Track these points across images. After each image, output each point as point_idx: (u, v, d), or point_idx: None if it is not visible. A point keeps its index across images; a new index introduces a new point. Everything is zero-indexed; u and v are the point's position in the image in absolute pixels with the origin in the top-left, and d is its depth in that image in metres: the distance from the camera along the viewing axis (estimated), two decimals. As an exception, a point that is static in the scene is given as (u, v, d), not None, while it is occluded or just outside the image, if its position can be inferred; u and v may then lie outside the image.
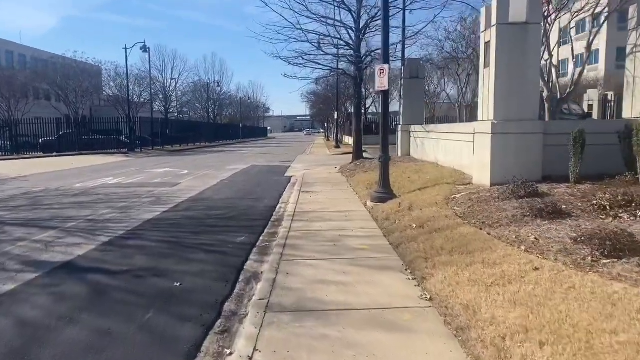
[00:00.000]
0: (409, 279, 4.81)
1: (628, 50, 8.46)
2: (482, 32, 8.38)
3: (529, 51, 7.83)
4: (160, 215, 9.22)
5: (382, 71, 9.20)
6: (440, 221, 6.44)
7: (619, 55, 49.93)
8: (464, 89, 22.56)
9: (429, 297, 4.25)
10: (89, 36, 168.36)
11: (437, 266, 4.82)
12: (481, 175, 8.30)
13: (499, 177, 7.89)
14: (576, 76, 13.87)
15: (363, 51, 16.87)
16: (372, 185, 11.47)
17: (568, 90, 13.97)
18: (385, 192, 9.24)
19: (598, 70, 50.13)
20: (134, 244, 6.99)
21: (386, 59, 9.26)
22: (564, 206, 6.09)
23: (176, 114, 65.09)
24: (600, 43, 47.15)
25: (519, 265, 4.35)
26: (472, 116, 23.95)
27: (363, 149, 17.93)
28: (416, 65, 16.31)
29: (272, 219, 8.68)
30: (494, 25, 7.84)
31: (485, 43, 8.22)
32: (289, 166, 20.88)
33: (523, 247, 4.84)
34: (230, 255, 6.36)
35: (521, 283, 3.97)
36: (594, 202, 5.95)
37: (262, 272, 5.51)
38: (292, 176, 16.40)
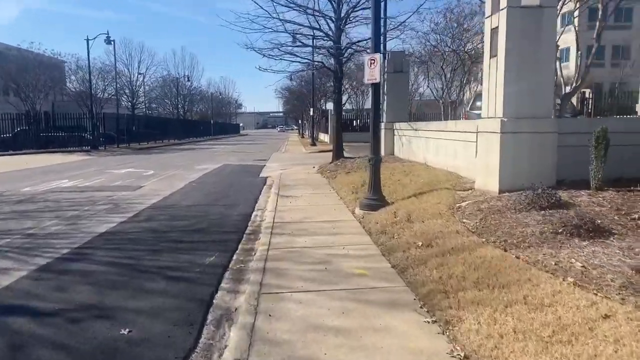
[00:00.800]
0: (428, 322, 3.71)
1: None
2: (487, 17, 7.37)
3: (544, 39, 6.86)
4: (115, 227, 7.87)
5: (372, 61, 8.10)
6: (452, 238, 5.38)
7: (589, 54, 51.32)
8: (449, 85, 21.76)
9: (462, 355, 3.16)
10: (52, 29, 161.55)
11: (464, 305, 3.74)
12: (487, 180, 7.31)
13: (509, 183, 6.92)
14: (583, 68, 12.93)
15: (344, 43, 15.76)
16: (358, 188, 10.41)
17: (574, 85, 13.10)
18: (375, 199, 8.16)
19: (569, 69, 51.12)
20: (78, 268, 5.67)
21: (377, 48, 8.17)
22: (599, 220, 5.12)
23: (144, 110, 62.53)
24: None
25: (578, 309, 3.31)
26: (456, 113, 23.17)
27: (343, 148, 16.84)
28: (400, 59, 15.31)
29: (247, 231, 7.48)
30: (503, 9, 6.83)
31: (492, 30, 7.22)
32: (264, 165, 19.60)
33: (571, 279, 3.82)
34: (196, 282, 5.14)
35: (594, 339, 2.93)
36: (635, 216, 5.01)
37: (236, 309, 4.34)
38: (267, 177, 15.18)
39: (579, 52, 15.83)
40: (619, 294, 3.46)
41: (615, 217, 5.21)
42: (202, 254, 6.13)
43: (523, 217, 5.67)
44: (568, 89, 14.36)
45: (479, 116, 13.12)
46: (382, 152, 15.16)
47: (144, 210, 9.34)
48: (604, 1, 11.62)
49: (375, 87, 8.25)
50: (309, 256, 5.66)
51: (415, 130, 12.59)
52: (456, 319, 3.59)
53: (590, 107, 27.12)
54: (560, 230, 4.85)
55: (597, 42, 12.07)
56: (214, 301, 4.62)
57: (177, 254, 6.22)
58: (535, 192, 5.98)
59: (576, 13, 14.74)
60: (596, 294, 3.50)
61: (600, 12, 11.95)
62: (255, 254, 6.01)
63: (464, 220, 6.09)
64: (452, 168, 9.78)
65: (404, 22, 15.07)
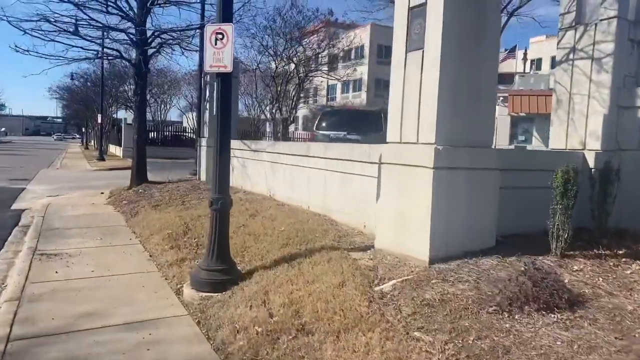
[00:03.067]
0: None
1: (559, 56, 6.17)
2: (401, -11, 4.86)
3: (489, 30, 4.66)
4: None
5: (220, 36, 4.78)
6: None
7: (377, 86, 56.79)
8: (280, 99, 19.12)
9: None
10: None
11: None
12: (403, 238, 4.68)
13: (442, 246, 4.43)
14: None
15: (150, 31, 11.75)
16: (180, 238, 6.81)
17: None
18: (222, 270, 4.77)
19: (361, 98, 55.88)
20: None
21: (227, 14, 4.87)
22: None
23: None
24: (364, 74, 52.62)
25: None
26: (286, 132, 20.68)
27: (146, 168, 12.59)
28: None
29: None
30: (436, -25, 4.38)
31: (412, 9, 4.72)
32: (24, 189, 13.72)
33: None
34: None
35: None
36: None
37: None
38: (25, 209, 10.05)
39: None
40: None
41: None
42: None
43: (521, 326, 3.15)
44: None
45: (329, 138, 10.82)
46: (203, 176, 11.68)
47: None
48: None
49: (224, 80, 4.91)
50: None
51: (255, 151, 9.49)
52: None
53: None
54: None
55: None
56: None
57: None
58: (526, 271, 3.53)
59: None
60: None
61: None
62: None
63: (415, 333, 3.27)
64: (319, 208, 7.01)
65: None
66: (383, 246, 4.98)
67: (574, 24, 6.02)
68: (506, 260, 4.42)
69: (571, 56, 6.03)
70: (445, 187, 4.42)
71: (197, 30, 12.37)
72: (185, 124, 51.00)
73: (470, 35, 4.52)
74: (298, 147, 7.85)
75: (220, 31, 4.80)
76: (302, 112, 44.09)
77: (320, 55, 20.00)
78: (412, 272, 4.29)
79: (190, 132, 37.47)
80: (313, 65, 19.68)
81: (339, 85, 60.41)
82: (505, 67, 44.35)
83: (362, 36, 48.17)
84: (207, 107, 11.92)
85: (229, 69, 4.81)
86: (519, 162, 5.52)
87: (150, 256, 6.33)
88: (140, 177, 11.88)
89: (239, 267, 5.09)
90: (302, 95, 19.67)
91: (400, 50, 4.87)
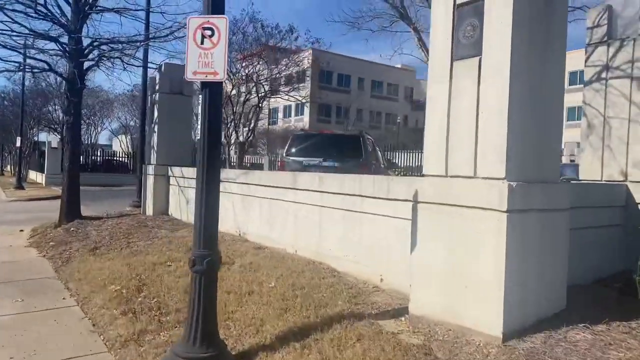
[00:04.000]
0: None
1: (589, 75, 5.42)
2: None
3: (556, 30, 3.73)
4: None
5: (210, 32, 3.48)
6: None
7: (320, 111, 56.95)
8: (236, 121, 17.38)
9: None
10: None
11: None
12: (460, 306, 3.51)
13: (519, 315, 3.34)
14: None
15: (87, 40, 10.04)
16: (133, 297, 5.28)
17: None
18: (209, 358, 3.36)
19: (304, 121, 55.75)
20: None
21: (219, 4, 3.57)
22: None
23: None
24: (307, 97, 52.84)
25: None
26: (241, 158, 18.86)
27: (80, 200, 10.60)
28: (180, 75, 10.58)
29: None
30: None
31: (458, 7, 3.69)
32: None
33: None
34: None
35: None
36: None
37: None
38: None
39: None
40: None
41: None
42: None
43: None
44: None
45: (302, 165, 9.60)
46: (151, 210, 9.99)
47: None
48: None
49: (213, 93, 3.57)
50: None
51: (220, 182, 8.04)
52: None
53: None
54: None
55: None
56: None
57: None
58: None
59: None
60: None
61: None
62: None
63: None
64: (310, 253, 5.71)
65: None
66: (424, 313, 3.78)
67: (605, 38, 5.33)
68: (595, 330, 3.38)
69: (604, 75, 5.32)
70: (520, 236, 3.34)
71: (142, 43, 10.84)
72: (115, 148, 47.59)
73: (537, 39, 3.56)
74: (281, 177, 6.54)
75: (209, 25, 3.50)
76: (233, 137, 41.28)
77: (277, 76, 18.95)
78: (486, 355, 3.12)
79: (124, 157, 34.72)
80: (270, 86, 18.53)
81: (280, 108, 59.69)
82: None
83: (305, 60, 47.99)
84: (156, 129, 10.29)
85: (221, 76, 3.50)
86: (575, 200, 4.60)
87: (94, 326, 4.69)
88: (72, 212, 9.93)
89: (226, 345, 3.68)
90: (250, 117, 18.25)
91: (442, 58, 3.81)
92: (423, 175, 3.94)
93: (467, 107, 3.60)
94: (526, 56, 3.44)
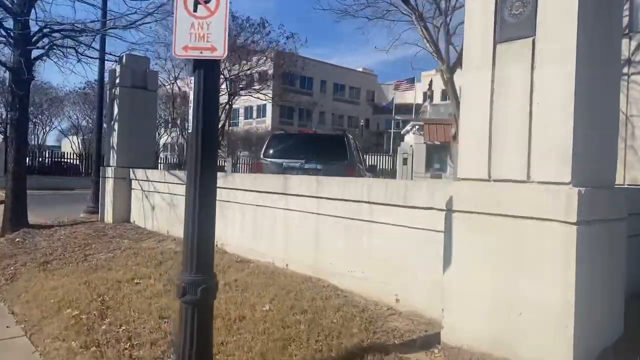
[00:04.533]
0: None
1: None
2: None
3: (615, 15, 3.21)
4: None
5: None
6: None
7: (282, 113, 56.15)
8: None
9: None
10: None
11: None
12: (514, 336, 2.90)
13: (591, 347, 2.78)
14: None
15: (36, 24, 8.88)
16: (95, 325, 4.39)
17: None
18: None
19: (266, 124, 54.85)
20: None
21: (218, -38, 2.82)
22: None
23: None
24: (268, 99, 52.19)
25: None
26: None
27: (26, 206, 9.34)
28: (143, 67, 9.56)
29: None
30: None
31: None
32: None
33: None
34: None
35: None
36: None
37: None
38: None
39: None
40: None
41: None
42: None
43: None
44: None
45: (281, 167, 8.82)
46: (110, 217, 8.97)
47: None
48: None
49: (209, 73, 2.80)
50: None
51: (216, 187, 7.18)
52: None
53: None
54: None
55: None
56: None
57: None
58: None
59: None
60: None
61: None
62: None
63: None
64: (306, 267, 4.99)
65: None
66: (462, 343, 3.16)
67: (627, 31, 4.93)
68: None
69: (625, 70, 4.91)
70: (589, 253, 2.78)
71: (100, 30, 9.75)
72: (65, 149, 44.79)
73: (600, 24, 3.02)
74: (269, 181, 5.76)
75: (205, -12, 2.74)
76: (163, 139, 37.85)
77: (248, 72, 18.05)
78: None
79: (76, 159, 32.58)
80: (242, 84, 17.61)
81: (241, 111, 58.27)
82: (408, 97, 46.07)
83: (267, 62, 47.09)
84: (116, 127, 9.24)
85: (220, 52, 2.74)
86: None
87: (48, 368, 3.80)
88: (17, 219, 8.72)
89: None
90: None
91: (482, 41, 3.21)
92: (459, 180, 3.33)
93: (515, 99, 3.02)
94: (590, 40, 2.89)
